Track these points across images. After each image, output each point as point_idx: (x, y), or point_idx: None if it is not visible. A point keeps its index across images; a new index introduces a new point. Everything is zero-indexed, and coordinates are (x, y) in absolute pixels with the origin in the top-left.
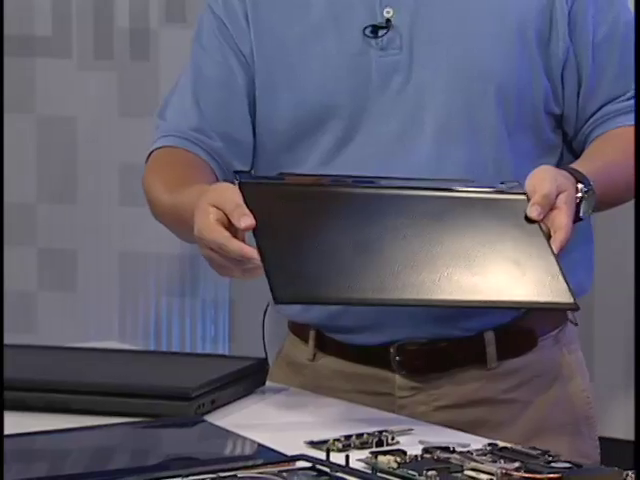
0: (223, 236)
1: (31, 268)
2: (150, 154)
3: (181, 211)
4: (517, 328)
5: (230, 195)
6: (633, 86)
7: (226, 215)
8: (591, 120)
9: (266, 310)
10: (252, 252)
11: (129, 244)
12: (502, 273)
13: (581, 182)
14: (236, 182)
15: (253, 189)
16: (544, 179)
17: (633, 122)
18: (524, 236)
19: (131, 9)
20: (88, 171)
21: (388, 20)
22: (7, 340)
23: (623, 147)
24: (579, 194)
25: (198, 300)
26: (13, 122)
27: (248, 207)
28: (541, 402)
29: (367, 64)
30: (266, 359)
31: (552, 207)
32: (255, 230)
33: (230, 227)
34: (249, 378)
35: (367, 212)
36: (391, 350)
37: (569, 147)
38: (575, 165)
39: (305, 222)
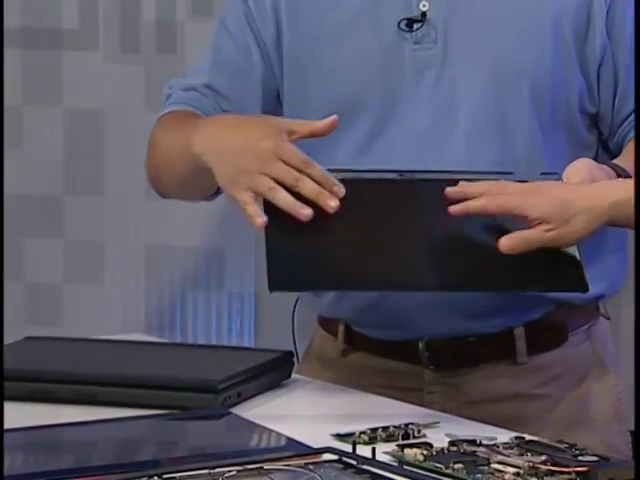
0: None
1: (58, 260)
2: (159, 119)
3: (188, 141)
4: (547, 323)
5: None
6: None
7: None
8: (627, 121)
9: (296, 304)
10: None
11: (155, 237)
12: (521, 258)
13: (621, 176)
14: None
15: None
16: (579, 170)
17: None
18: None
19: (158, 2)
20: (115, 164)
21: (424, 14)
22: (34, 332)
23: None
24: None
25: (224, 293)
26: (41, 114)
27: (265, 203)
28: (572, 397)
29: (401, 57)
30: (292, 352)
31: None
32: (268, 225)
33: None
34: (275, 371)
35: (387, 203)
36: (420, 345)
37: (604, 146)
38: (617, 161)
39: (316, 214)
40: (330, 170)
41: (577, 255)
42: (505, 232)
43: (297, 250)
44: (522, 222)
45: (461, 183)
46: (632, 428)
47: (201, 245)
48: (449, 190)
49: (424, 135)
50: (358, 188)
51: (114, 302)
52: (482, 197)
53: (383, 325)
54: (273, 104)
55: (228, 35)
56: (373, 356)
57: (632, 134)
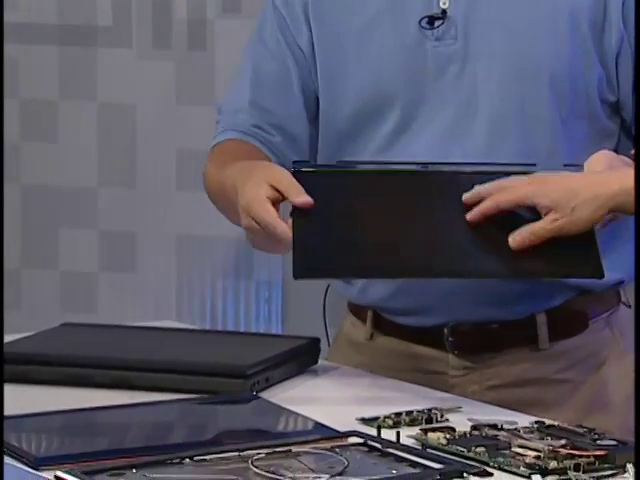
0: (272, 217)
1: (92, 250)
2: (212, 149)
3: (225, 183)
4: (568, 310)
5: (286, 174)
6: None
7: (280, 192)
8: None
9: (327, 291)
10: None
11: (186, 227)
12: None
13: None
14: (291, 170)
15: (303, 177)
16: (599, 161)
17: None
18: None
19: (189, 0)
20: (147, 156)
21: (444, 11)
22: (70, 319)
23: None
24: None
25: (252, 281)
26: (76, 109)
27: None
28: (591, 382)
29: (423, 54)
30: (318, 339)
31: None
32: (294, 211)
33: (276, 205)
34: (302, 357)
35: (409, 195)
36: (445, 331)
37: (627, 133)
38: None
39: (344, 206)
40: (355, 163)
41: (593, 241)
42: (520, 220)
43: (322, 239)
44: (532, 212)
45: (476, 187)
46: None
47: (230, 235)
48: (466, 196)
49: (447, 129)
50: (382, 181)
51: (146, 290)
52: (493, 195)
53: (409, 312)
54: (317, 109)
55: (265, 49)
56: (400, 340)
57: None
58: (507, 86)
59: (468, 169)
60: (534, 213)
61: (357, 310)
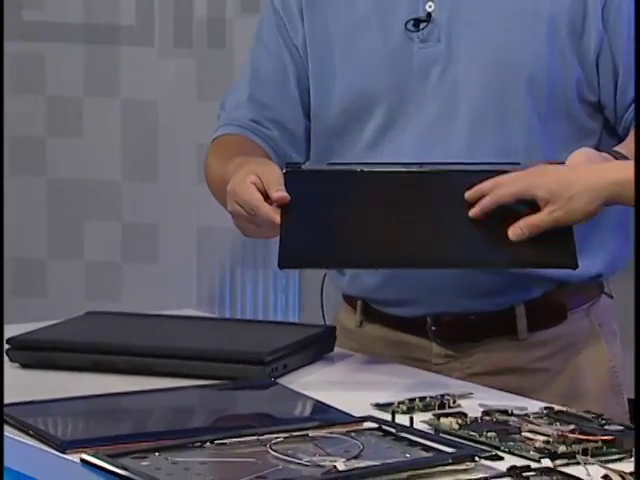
0: (256, 198)
1: (116, 241)
2: (212, 142)
3: (225, 179)
4: (547, 302)
5: (273, 170)
6: None
7: (262, 184)
8: (632, 107)
9: (323, 280)
10: (278, 218)
11: (206, 219)
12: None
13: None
14: (283, 171)
15: (294, 177)
16: (579, 158)
17: None
18: None
19: (209, 0)
20: (168, 151)
21: (429, 14)
22: (95, 308)
23: None
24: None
25: (270, 271)
26: (100, 105)
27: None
28: (569, 371)
29: (409, 56)
30: (334, 327)
31: None
32: (284, 208)
33: (263, 194)
34: (319, 344)
35: (392, 191)
36: (428, 320)
37: (611, 132)
38: (618, 147)
39: (329, 202)
40: (344, 164)
41: (570, 233)
42: (511, 213)
43: (308, 231)
44: (531, 205)
45: (475, 188)
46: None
47: None
48: (468, 194)
49: (429, 128)
50: (367, 179)
51: (168, 280)
52: (492, 191)
53: (394, 303)
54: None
55: (263, 47)
56: (387, 329)
57: None
58: (486, 87)
59: (452, 168)
60: (529, 205)
61: (349, 299)
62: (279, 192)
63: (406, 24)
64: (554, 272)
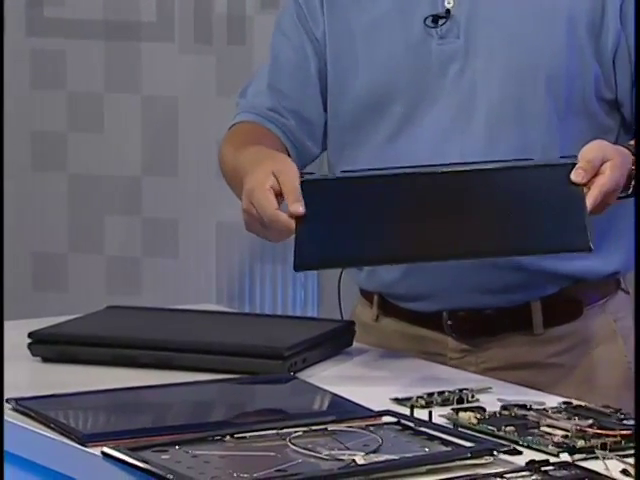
0: (273, 209)
1: (136, 236)
2: (229, 129)
3: (238, 168)
4: (563, 298)
5: (293, 175)
6: None
7: (280, 188)
8: None
9: (340, 276)
10: (293, 225)
11: (225, 214)
12: (529, 225)
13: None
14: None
15: (308, 186)
16: (592, 149)
17: None
18: (565, 196)
19: None
20: (188, 146)
21: (448, 10)
22: (115, 302)
23: None
24: (632, 166)
25: (288, 267)
26: (120, 101)
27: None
28: (584, 366)
29: (427, 52)
30: (353, 322)
31: (597, 173)
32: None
33: (278, 197)
34: (337, 339)
35: (408, 195)
36: (444, 315)
37: (628, 129)
38: (633, 142)
39: (345, 209)
40: (356, 171)
41: (582, 215)
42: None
43: (322, 234)
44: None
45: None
46: None
47: None
48: (578, 179)
49: (448, 124)
50: (379, 182)
51: (188, 274)
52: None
53: (410, 298)
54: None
55: (284, 37)
56: (403, 323)
57: None
58: (505, 84)
59: (463, 168)
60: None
61: (365, 294)
62: (295, 205)
63: (425, 20)
64: (570, 269)
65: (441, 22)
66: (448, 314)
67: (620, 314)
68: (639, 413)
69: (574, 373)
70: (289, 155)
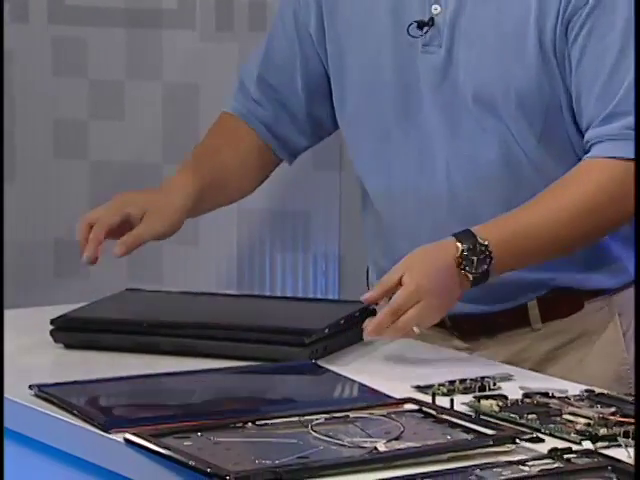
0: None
1: None
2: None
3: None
4: (561, 294)
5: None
6: (609, 107)
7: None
8: (589, 132)
9: (368, 270)
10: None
11: (246, 202)
12: None
13: (461, 242)
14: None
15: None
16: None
17: (601, 153)
18: None
19: None
20: None
21: (432, 18)
22: None
23: (572, 197)
24: (458, 253)
25: (310, 254)
26: (142, 88)
27: None
28: (586, 360)
29: (413, 58)
30: (374, 309)
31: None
32: None
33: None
34: (359, 326)
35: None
36: (445, 317)
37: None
38: (481, 226)
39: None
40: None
41: None
42: None
43: None
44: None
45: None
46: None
47: (288, 209)
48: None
49: (431, 134)
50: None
51: (209, 262)
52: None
53: None
54: (318, 91)
55: (280, 27)
56: None
57: (587, 154)
58: (481, 98)
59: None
60: None
61: None
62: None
63: (409, 26)
64: (568, 281)
65: (425, 29)
66: (448, 318)
67: (624, 308)
68: (639, 412)
69: (576, 367)
70: (272, 148)
